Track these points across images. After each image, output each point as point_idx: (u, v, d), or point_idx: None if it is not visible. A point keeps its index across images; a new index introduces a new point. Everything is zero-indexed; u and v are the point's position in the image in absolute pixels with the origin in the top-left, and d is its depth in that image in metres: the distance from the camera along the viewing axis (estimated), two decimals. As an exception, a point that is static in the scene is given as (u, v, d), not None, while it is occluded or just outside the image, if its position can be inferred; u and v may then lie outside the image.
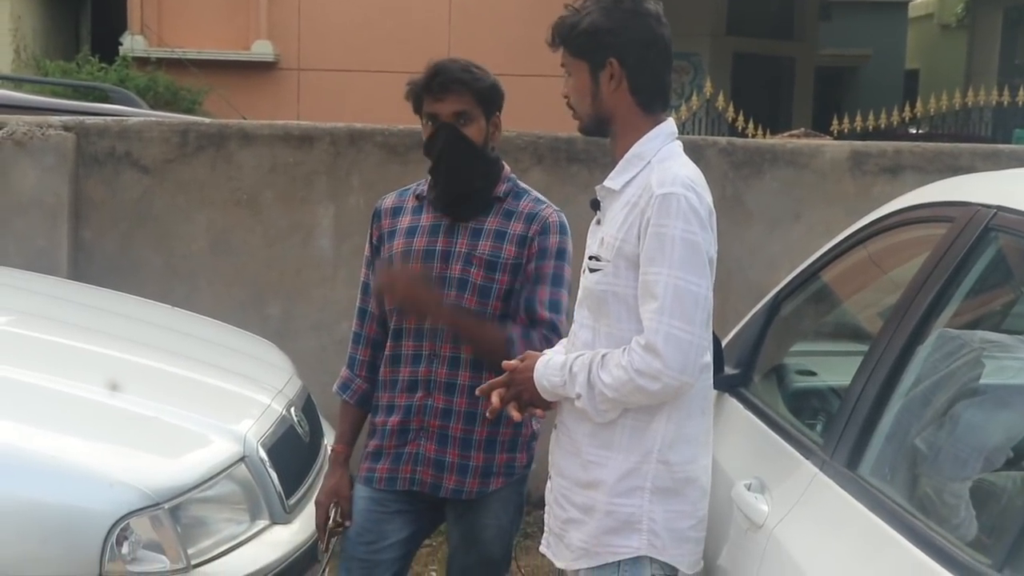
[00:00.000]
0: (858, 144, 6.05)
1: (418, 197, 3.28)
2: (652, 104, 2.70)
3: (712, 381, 2.74)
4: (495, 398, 2.78)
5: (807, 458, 2.71)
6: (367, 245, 3.37)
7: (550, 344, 3.00)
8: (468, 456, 3.18)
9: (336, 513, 3.27)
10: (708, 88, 12.57)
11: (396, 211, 3.30)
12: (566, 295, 3.19)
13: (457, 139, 3.13)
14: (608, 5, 2.66)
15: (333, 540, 3.34)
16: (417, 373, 3.20)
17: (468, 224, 3.19)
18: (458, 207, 3.20)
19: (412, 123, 5.32)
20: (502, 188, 3.23)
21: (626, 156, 2.68)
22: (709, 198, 2.61)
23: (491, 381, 2.85)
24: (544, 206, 3.23)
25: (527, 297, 3.15)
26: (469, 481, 3.19)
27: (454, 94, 3.12)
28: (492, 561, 3.29)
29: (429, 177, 3.25)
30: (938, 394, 2.55)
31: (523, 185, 3.29)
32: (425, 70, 3.16)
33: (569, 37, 2.69)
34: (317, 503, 3.34)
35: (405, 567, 3.34)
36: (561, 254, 3.19)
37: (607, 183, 2.69)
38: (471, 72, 3.15)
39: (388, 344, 3.26)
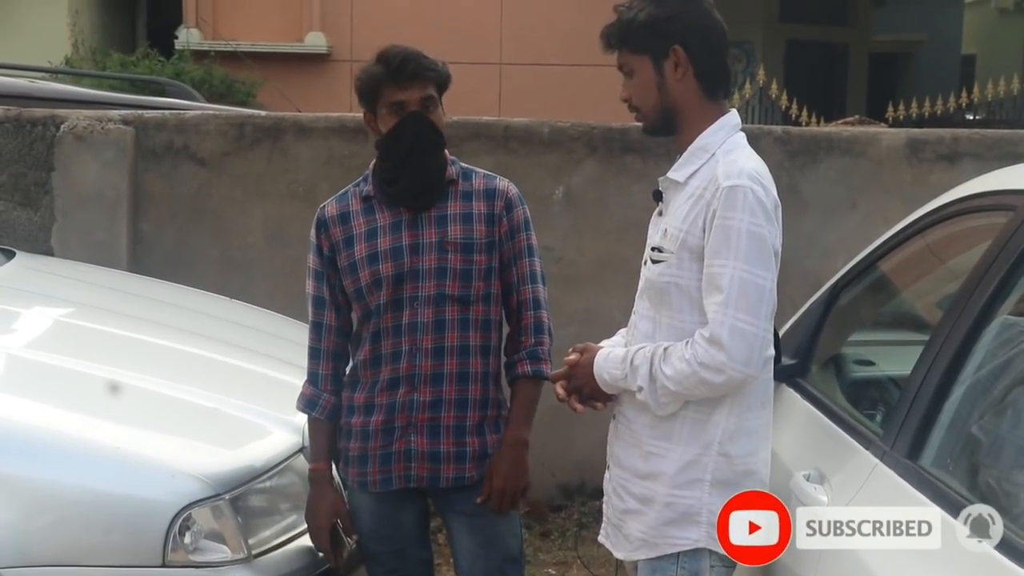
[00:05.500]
0: (915, 132, 5.98)
1: (364, 199, 3.20)
2: (716, 90, 2.70)
3: (773, 373, 2.72)
4: (559, 389, 2.81)
5: (867, 448, 2.69)
6: (313, 257, 3.23)
7: (541, 324, 3.19)
8: (464, 443, 3.16)
9: (341, 530, 3.19)
10: (761, 76, 12.49)
11: (344, 217, 3.19)
12: (539, 261, 3.27)
13: (428, 127, 3.11)
14: None
15: (347, 556, 3.23)
16: (398, 370, 3.14)
17: (430, 214, 3.15)
18: (422, 198, 3.15)
19: (461, 114, 5.34)
20: (452, 171, 3.21)
21: (690, 148, 2.67)
22: (775, 191, 2.60)
23: (554, 373, 2.88)
24: (498, 180, 3.25)
25: (514, 275, 3.21)
26: (468, 466, 3.17)
27: (421, 81, 3.09)
28: (511, 554, 3.27)
29: (371, 175, 3.20)
30: (998, 382, 2.53)
31: (465, 164, 3.27)
32: (382, 59, 3.10)
33: (627, 34, 2.68)
34: (318, 529, 3.20)
35: (428, 541, 3.34)
36: (527, 224, 3.25)
37: (671, 175, 2.69)
38: (431, 59, 3.13)
39: (366, 348, 3.17)
